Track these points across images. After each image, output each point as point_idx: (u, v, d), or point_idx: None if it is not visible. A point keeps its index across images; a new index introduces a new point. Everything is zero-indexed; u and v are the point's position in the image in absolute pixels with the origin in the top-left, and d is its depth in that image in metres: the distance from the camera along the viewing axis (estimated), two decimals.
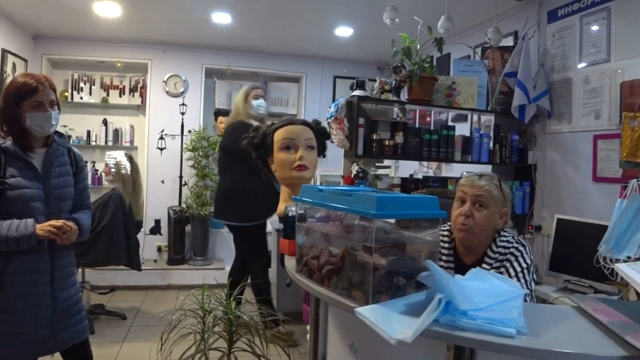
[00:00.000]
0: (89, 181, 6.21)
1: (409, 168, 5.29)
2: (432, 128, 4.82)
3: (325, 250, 1.46)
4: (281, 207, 2.07)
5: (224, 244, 6.21)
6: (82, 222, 2.27)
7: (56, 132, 2.25)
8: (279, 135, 2.04)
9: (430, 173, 5.06)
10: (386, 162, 5.98)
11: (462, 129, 4.42)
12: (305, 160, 2.00)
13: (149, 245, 6.15)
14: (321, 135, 2.18)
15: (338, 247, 1.41)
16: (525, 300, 1.95)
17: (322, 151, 2.21)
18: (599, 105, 3.55)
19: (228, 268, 5.59)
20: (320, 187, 1.48)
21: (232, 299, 1.96)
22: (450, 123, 5.11)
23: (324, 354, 1.95)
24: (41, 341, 2.09)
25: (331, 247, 1.45)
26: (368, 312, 1.19)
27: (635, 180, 2.26)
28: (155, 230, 6.38)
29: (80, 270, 4.41)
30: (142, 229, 6.04)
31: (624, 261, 2.17)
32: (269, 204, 3.41)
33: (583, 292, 3.24)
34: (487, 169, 4.14)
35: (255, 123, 3.66)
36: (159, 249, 6.30)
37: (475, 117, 4.59)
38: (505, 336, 1.11)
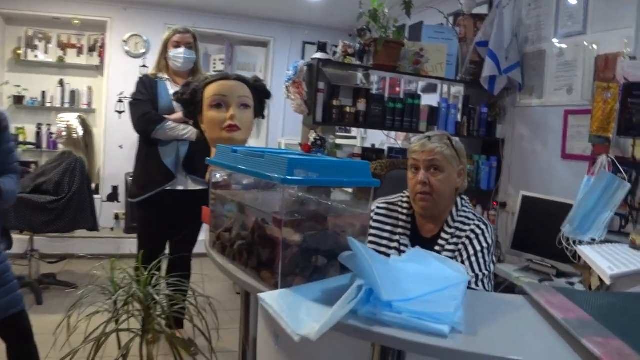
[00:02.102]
0: (45, 144, 5.92)
1: (376, 139, 5.08)
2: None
3: (238, 222, 1.24)
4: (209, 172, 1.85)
5: None
6: (5, 187, 2.01)
7: None
8: (209, 91, 1.79)
9: (399, 145, 4.84)
10: (353, 133, 5.78)
11: (431, 100, 4.21)
12: (238, 119, 1.75)
13: (106, 213, 5.86)
14: (260, 93, 1.93)
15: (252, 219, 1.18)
16: (484, 284, 1.79)
17: (260, 111, 1.96)
18: (572, 80, 3.38)
19: None
20: (235, 147, 1.25)
21: (149, 272, 1.73)
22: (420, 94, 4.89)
23: (255, 336, 1.75)
24: None
25: (247, 219, 1.22)
26: (273, 299, 0.97)
27: (604, 156, 2.08)
28: (113, 197, 6.08)
29: (28, 238, 4.23)
30: (100, 196, 5.79)
31: (588, 243, 2.01)
32: (149, 178, 3.08)
33: (545, 272, 3.12)
34: (459, 141, 3.95)
35: (165, 77, 3.16)
36: (116, 217, 6.02)
37: (445, 89, 4.38)
38: (435, 335, 0.90)
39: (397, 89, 5.43)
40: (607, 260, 1.66)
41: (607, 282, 1.57)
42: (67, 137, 4.15)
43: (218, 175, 1.51)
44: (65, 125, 4.15)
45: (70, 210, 3.98)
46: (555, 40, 3.53)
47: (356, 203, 1.25)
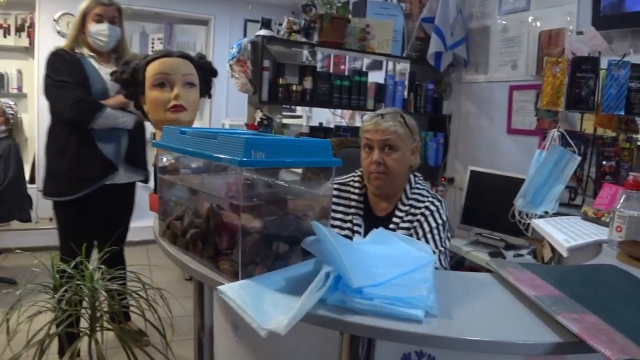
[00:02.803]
0: None
1: (322, 118, 5.01)
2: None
3: (190, 209, 1.15)
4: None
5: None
6: None
7: None
8: (151, 70, 1.66)
9: (345, 123, 4.80)
10: (299, 112, 5.70)
11: (377, 77, 4.17)
12: (183, 99, 1.64)
13: (44, 203, 5.56)
14: (205, 70, 1.81)
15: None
16: (440, 260, 1.77)
17: (206, 90, 1.85)
18: (516, 55, 3.42)
19: (133, 224, 5.18)
20: (183, 128, 1.15)
21: (95, 267, 1.61)
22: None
23: (211, 326, 1.67)
24: None
25: (199, 205, 1.13)
26: (234, 292, 0.89)
27: (555, 130, 2.09)
28: None
29: None
30: (36, 186, 5.48)
31: (541, 216, 2.02)
32: (83, 172, 2.59)
33: (495, 245, 3.17)
34: (411, 118, 3.95)
35: (87, 53, 2.62)
36: None
37: (390, 66, 4.35)
38: (409, 320, 0.85)
39: (342, 67, 5.37)
40: (562, 233, 1.67)
41: (564, 254, 1.57)
42: (14, 122, 3.92)
43: (165, 159, 1.41)
44: (12, 112, 3.90)
45: (6, 199, 3.73)
46: (499, 17, 3.55)
47: (313, 184, 1.19)
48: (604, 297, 1.02)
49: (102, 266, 1.68)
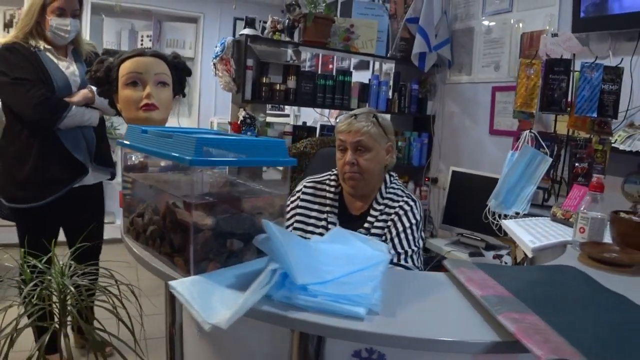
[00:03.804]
0: None
1: (309, 117, 5.03)
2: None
3: (150, 206, 1.17)
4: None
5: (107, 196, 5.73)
6: None
7: None
8: (124, 69, 1.68)
9: (332, 122, 4.82)
10: (287, 111, 5.71)
11: (362, 77, 4.19)
12: (155, 98, 1.65)
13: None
14: (179, 70, 1.82)
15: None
16: (413, 260, 1.79)
17: (180, 89, 1.87)
18: (499, 57, 3.45)
19: (120, 222, 5.18)
20: (144, 127, 1.17)
21: (65, 263, 1.62)
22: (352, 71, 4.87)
23: (181, 322, 1.69)
24: None
25: (159, 203, 1.15)
26: (184, 287, 0.91)
27: (527, 131, 2.12)
28: None
29: None
30: None
31: (512, 217, 2.05)
32: (50, 175, 2.41)
33: (475, 245, 3.20)
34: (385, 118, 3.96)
35: (42, 46, 2.37)
36: None
37: (377, 66, 4.37)
38: (351, 317, 0.87)
39: (330, 66, 5.39)
40: (529, 234, 1.69)
41: (529, 254, 1.59)
42: None
43: (133, 157, 1.43)
44: None
45: None
46: (483, 18, 3.58)
47: (270, 184, 1.21)
48: (552, 298, 1.04)
49: (72, 262, 1.69)
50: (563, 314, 0.95)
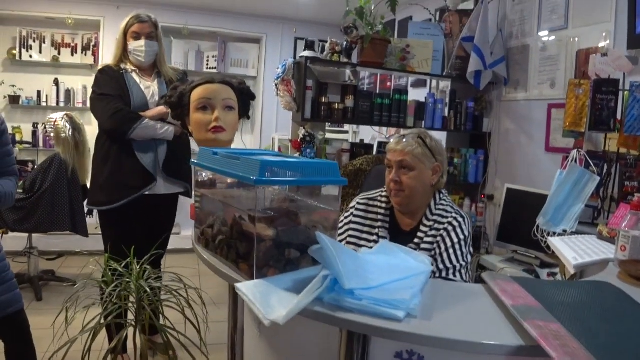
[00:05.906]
0: (41, 143, 5.98)
1: (367, 135, 5.16)
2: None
3: (219, 218, 1.34)
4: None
5: (182, 210, 6.03)
6: (3, 189, 2.03)
7: None
8: (195, 95, 1.88)
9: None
10: (345, 127, 5.86)
11: (420, 95, 4.29)
12: (222, 121, 1.84)
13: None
14: (244, 95, 2.01)
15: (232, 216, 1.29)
16: (461, 275, 1.88)
17: (244, 112, 2.05)
18: (555, 74, 3.47)
19: (185, 233, 5.44)
20: (215, 149, 1.34)
21: (140, 266, 1.82)
22: (409, 89, 4.97)
23: (242, 326, 1.85)
24: None
25: (227, 215, 1.32)
26: (248, 289, 1.07)
27: (575, 150, 2.17)
28: None
29: (27, 236, 4.24)
30: None
31: (560, 235, 2.10)
32: (123, 182, 2.70)
33: (529, 263, 3.21)
34: (442, 135, 4.04)
35: (129, 68, 2.79)
36: None
37: (434, 84, 4.46)
38: (391, 319, 1.00)
39: (388, 83, 5.51)
40: (573, 251, 1.75)
41: (572, 271, 1.66)
42: (56, 137, 4.01)
43: (203, 175, 1.60)
44: (52, 126, 4.01)
45: (41, 209, 3.84)
46: (538, 35, 3.61)
47: (325, 200, 1.34)
48: (580, 310, 1.12)
49: (148, 267, 1.89)
50: (586, 325, 1.03)
